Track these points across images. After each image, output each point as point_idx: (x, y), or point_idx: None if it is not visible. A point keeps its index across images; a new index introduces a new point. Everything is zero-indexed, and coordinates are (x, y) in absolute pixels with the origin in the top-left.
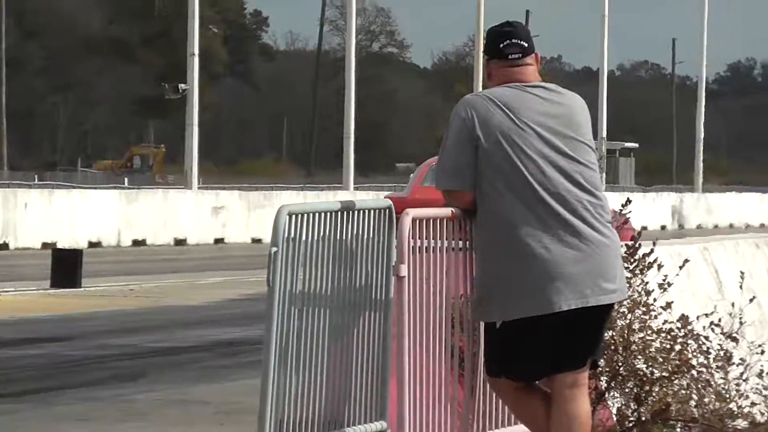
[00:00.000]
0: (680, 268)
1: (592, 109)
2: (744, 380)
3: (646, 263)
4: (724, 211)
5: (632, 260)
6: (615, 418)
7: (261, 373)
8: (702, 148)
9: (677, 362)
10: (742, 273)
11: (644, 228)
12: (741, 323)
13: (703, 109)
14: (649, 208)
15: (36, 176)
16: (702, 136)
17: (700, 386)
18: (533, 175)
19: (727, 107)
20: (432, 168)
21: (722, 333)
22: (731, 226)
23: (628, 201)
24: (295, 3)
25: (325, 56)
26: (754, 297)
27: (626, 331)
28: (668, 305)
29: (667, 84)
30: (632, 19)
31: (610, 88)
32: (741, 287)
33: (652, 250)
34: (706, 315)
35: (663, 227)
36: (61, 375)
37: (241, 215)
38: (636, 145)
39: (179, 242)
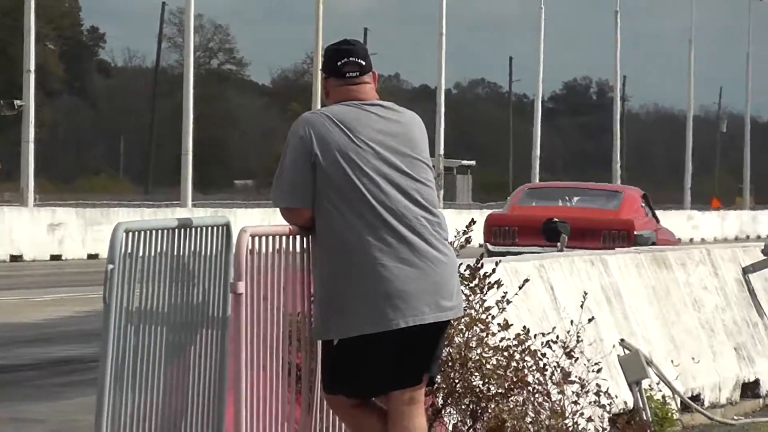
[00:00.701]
0: (519, 288)
1: (430, 126)
2: (580, 396)
3: (487, 283)
4: None
5: (474, 279)
6: None
7: (96, 391)
8: (538, 165)
9: (513, 379)
10: (585, 293)
11: (481, 245)
12: (578, 341)
13: (539, 127)
14: None
15: None
16: (538, 153)
17: (536, 403)
18: (371, 192)
19: (563, 125)
20: (526, 191)
21: (562, 349)
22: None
23: (473, 221)
24: (132, 19)
25: (163, 73)
26: (592, 318)
27: (463, 348)
28: (507, 324)
29: (504, 102)
30: (469, 37)
31: (448, 106)
32: (582, 306)
33: (494, 270)
34: (543, 334)
35: None
36: None
37: (78, 232)
38: (473, 162)
39: (15, 258)
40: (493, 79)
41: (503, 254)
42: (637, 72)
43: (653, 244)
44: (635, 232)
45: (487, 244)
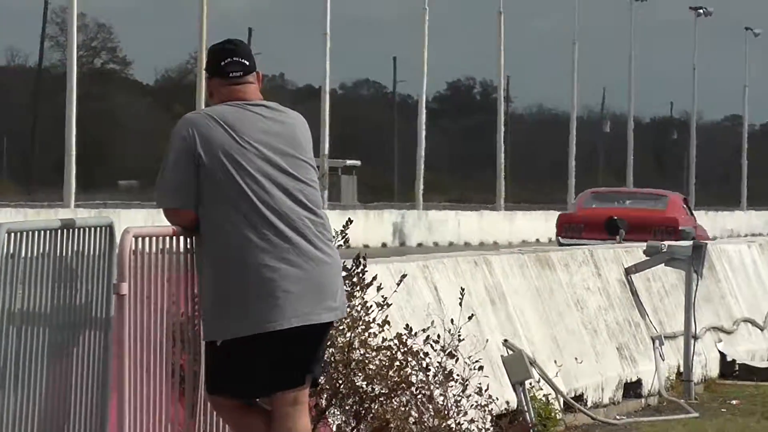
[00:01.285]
0: (398, 284)
1: (315, 126)
2: (463, 396)
3: (365, 282)
4: (445, 228)
5: (352, 278)
6: None
7: None
8: (423, 166)
9: (397, 379)
10: (462, 290)
11: (366, 245)
12: (460, 340)
13: (423, 128)
14: (371, 226)
15: None
16: (423, 154)
17: (419, 403)
18: (255, 193)
19: (448, 125)
20: (590, 195)
21: (441, 350)
22: (451, 243)
23: (349, 221)
24: (14, 18)
25: (46, 73)
26: (472, 315)
27: (346, 349)
28: (386, 322)
29: (388, 102)
30: (354, 37)
31: (332, 106)
32: (460, 304)
33: (364, 266)
34: (424, 330)
35: (384, 245)
36: None
37: None
38: (358, 162)
39: None
40: (377, 80)
41: (572, 246)
42: (521, 73)
43: (693, 238)
44: (680, 228)
45: (559, 237)
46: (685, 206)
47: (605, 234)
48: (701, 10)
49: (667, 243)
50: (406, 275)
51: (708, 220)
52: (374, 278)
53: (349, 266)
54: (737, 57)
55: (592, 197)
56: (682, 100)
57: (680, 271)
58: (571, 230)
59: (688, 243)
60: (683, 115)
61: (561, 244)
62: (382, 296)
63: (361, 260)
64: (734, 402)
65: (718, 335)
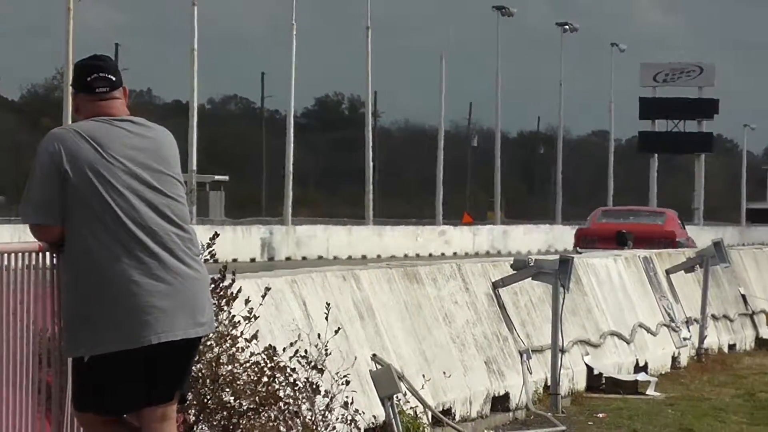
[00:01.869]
0: (263, 297)
1: (183, 142)
2: (330, 411)
3: (231, 295)
4: (314, 243)
5: (218, 291)
6: None
7: None
8: (291, 181)
9: (264, 394)
10: (328, 304)
11: (235, 260)
12: (327, 354)
13: (291, 143)
14: (240, 242)
15: None
16: (291, 169)
17: (287, 418)
18: (122, 208)
19: (316, 141)
20: (601, 212)
21: (308, 364)
22: (320, 258)
23: (216, 234)
24: None
25: None
26: (339, 329)
27: (214, 364)
28: (254, 337)
29: (256, 118)
30: (222, 53)
31: (201, 121)
32: (327, 319)
33: (233, 281)
34: (292, 344)
35: (253, 260)
36: None
37: None
38: (226, 178)
39: None
40: (245, 95)
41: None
42: (389, 87)
43: (686, 246)
44: (677, 239)
45: (577, 248)
46: (679, 221)
47: (615, 245)
48: (567, 26)
49: (533, 257)
50: (270, 288)
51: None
52: (239, 291)
53: (215, 279)
54: (603, 72)
55: (603, 214)
56: (549, 115)
57: (547, 284)
58: (586, 242)
59: (555, 257)
60: (550, 130)
61: (579, 254)
62: (248, 310)
63: (230, 274)
64: (601, 415)
65: (585, 348)
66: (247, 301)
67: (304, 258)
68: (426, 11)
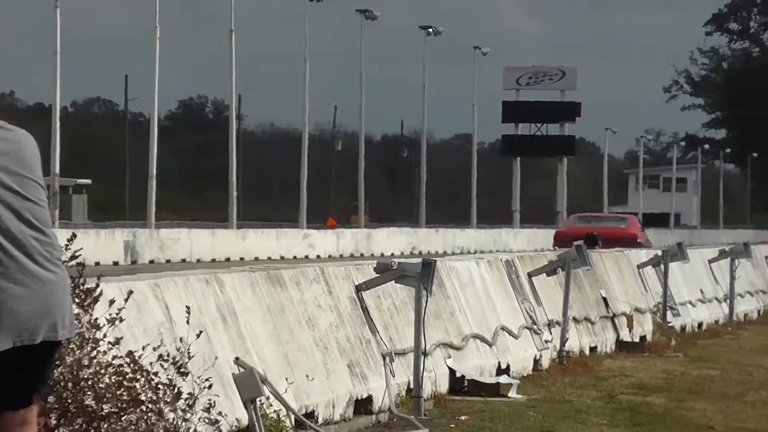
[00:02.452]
0: (126, 300)
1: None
2: (192, 414)
3: (93, 298)
4: (177, 246)
5: (79, 294)
6: None
7: None
8: (155, 184)
9: (126, 398)
10: (188, 308)
11: (97, 263)
12: (189, 358)
13: (155, 146)
14: (102, 245)
15: None
16: (155, 172)
17: (149, 421)
18: None
19: (180, 144)
20: (575, 217)
21: (171, 367)
22: (184, 261)
23: (74, 236)
24: None
25: None
26: (201, 332)
27: (75, 368)
28: (117, 341)
29: (120, 120)
30: (86, 55)
31: (64, 124)
32: (188, 322)
33: (97, 285)
34: (154, 349)
35: (116, 263)
36: None
37: None
38: (89, 181)
39: None
40: (109, 98)
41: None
42: (253, 91)
43: (645, 246)
44: (638, 240)
45: (555, 247)
46: (639, 225)
47: (587, 245)
48: (430, 29)
49: (397, 260)
50: (132, 291)
51: (438, 237)
52: (101, 294)
53: (73, 278)
54: (467, 76)
55: (576, 219)
56: (413, 118)
57: (411, 288)
58: (562, 242)
59: (418, 260)
60: (414, 133)
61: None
62: (110, 314)
63: (94, 278)
64: (463, 418)
65: (448, 351)
66: (111, 303)
67: (167, 261)
68: (290, 13)
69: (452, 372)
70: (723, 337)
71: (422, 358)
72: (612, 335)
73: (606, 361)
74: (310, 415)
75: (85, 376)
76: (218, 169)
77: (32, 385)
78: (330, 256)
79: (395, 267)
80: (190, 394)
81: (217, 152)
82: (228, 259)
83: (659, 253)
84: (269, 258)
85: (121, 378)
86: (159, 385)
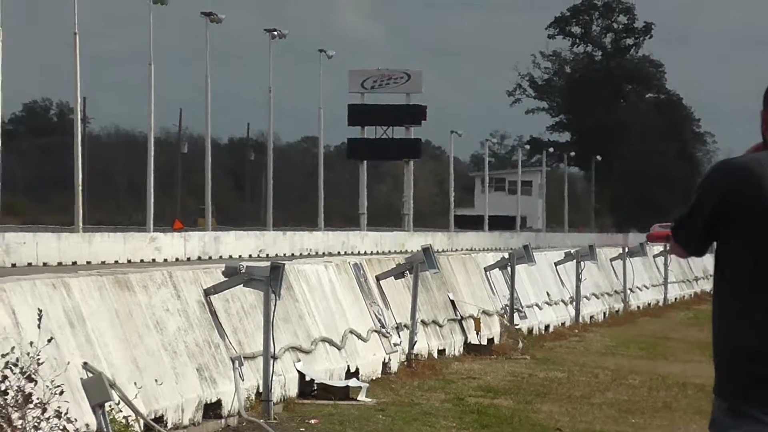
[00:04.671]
0: None
1: None
2: (42, 420)
3: None
4: (23, 250)
5: None
6: None
7: None
8: (0, 188)
9: None
10: (40, 311)
11: None
12: (39, 363)
13: None
14: None
15: None
16: None
17: None
18: None
19: (24, 147)
20: (657, 225)
21: (21, 373)
22: (30, 265)
23: None
24: None
25: None
26: (52, 338)
27: None
28: None
29: None
30: None
31: None
32: (39, 327)
33: None
34: (3, 355)
35: None
36: None
37: None
38: None
39: None
40: None
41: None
42: (98, 94)
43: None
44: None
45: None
46: None
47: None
48: (276, 32)
49: (245, 264)
50: None
51: (286, 240)
52: None
53: None
54: (313, 79)
55: (657, 226)
56: (259, 122)
57: (259, 291)
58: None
59: (266, 264)
60: (260, 136)
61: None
62: None
63: None
64: (313, 421)
65: (297, 355)
66: None
67: (13, 265)
68: (134, 16)
69: (302, 376)
70: (569, 339)
71: (271, 361)
72: (460, 338)
73: (454, 363)
74: (160, 419)
75: None
76: (63, 172)
77: None
78: (177, 260)
79: (243, 270)
80: (39, 400)
81: (61, 156)
82: (75, 263)
83: (506, 255)
84: (116, 262)
85: None
86: (8, 391)
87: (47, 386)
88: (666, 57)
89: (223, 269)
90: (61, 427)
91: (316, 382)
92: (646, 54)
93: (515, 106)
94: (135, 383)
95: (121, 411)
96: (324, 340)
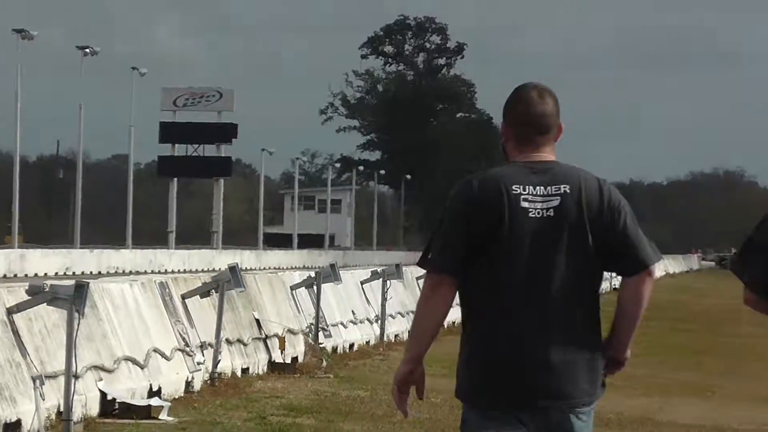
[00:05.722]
0: None
1: None
2: None
3: None
4: None
5: None
6: None
7: None
8: None
9: None
10: None
11: None
12: None
13: None
14: None
15: None
16: None
17: None
18: None
19: None
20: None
21: None
22: None
23: None
24: None
25: None
26: None
27: None
28: None
29: None
30: None
31: None
32: None
33: None
34: None
35: None
36: None
37: None
38: None
39: None
40: None
41: None
42: None
43: None
44: None
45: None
46: None
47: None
48: (88, 50)
49: (49, 282)
50: None
51: (93, 258)
52: None
53: None
54: (125, 96)
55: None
56: (70, 139)
57: (63, 310)
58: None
59: (71, 282)
60: (70, 154)
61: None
62: None
63: None
64: None
65: (100, 374)
66: None
67: None
68: None
69: (103, 395)
70: (373, 357)
71: (73, 380)
72: (264, 356)
73: (258, 382)
74: None
75: None
76: None
77: None
78: None
79: (47, 289)
80: None
81: None
82: None
83: (312, 274)
84: None
85: None
86: None
87: None
88: (477, 77)
89: (27, 288)
90: None
91: (117, 401)
92: (457, 74)
93: (327, 124)
94: None
95: None
96: (127, 358)
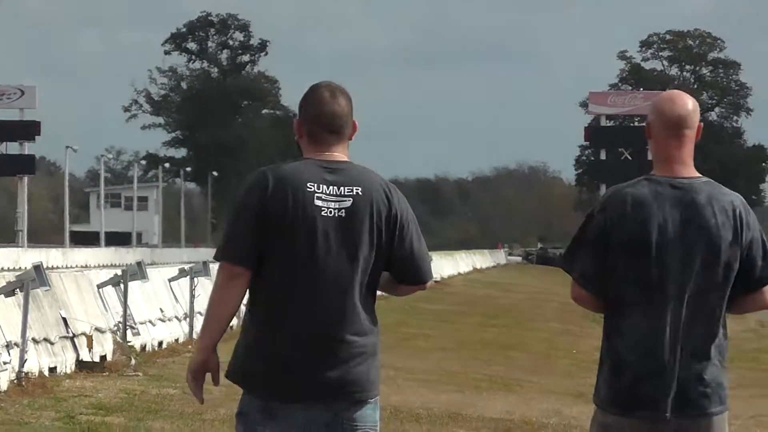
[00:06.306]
0: None
1: None
2: None
3: None
4: None
5: None
6: None
7: None
8: None
9: None
10: None
11: None
12: None
13: None
14: None
15: None
16: None
17: None
18: None
19: None
20: None
21: None
22: None
23: None
24: None
25: None
26: None
27: None
28: None
29: None
30: None
31: None
32: None
33: None
34: None
35: None
36: None
37: None
38: None
39: None
40: None
41: None
42: None
43: None
44: None
45: None
46: None
47: None
48: None
49: None
50: None
51: None
52: None
53: None
54: None
55: None
56: None
57: None
58: None
59: None
60: None
61: None
62: None
63: None
64: None
65: None
66: None
67: None
68: None
69: None
70: (182, 355)
71: None
72: (72, 355)
73: (66, 381)
74: None
75: None
76: None
77: None
78: None
79: None
80: None
81: None
82: None
83: (119, 272)
84: None
85: None
86: None
87: None
88: (281, 74)
89: None
90: None
91: None
92: (261, 70)
93: (132, 121)
94: None
95: None
96: None
